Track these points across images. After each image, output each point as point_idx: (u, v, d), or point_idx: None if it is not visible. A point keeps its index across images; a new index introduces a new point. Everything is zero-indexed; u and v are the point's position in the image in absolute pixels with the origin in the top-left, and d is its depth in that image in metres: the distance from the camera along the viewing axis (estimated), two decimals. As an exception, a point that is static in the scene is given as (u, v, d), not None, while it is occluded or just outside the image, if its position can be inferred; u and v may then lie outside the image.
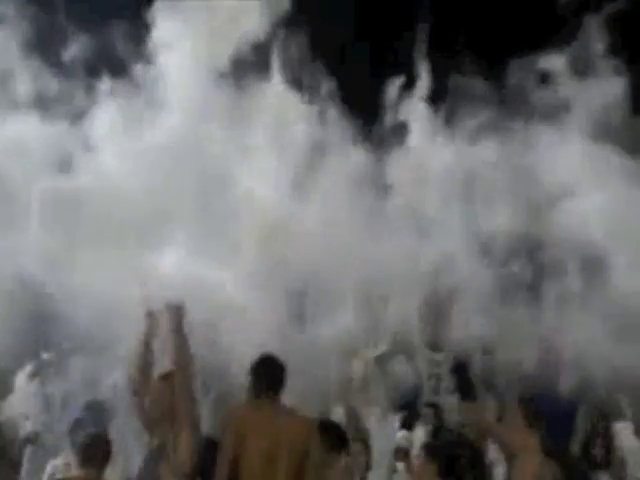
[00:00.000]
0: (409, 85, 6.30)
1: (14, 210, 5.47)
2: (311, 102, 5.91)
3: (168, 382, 4.65)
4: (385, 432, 6.41)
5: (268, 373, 4.70)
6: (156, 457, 4.48)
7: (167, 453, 4.47)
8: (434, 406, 6.87)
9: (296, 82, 5.96)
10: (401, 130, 6.14)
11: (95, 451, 4.90)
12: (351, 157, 5.96)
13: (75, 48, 6.22)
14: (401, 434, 6.28)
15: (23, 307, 5.42)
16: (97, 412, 5.88)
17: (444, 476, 5.29)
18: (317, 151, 5.90)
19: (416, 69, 6.35)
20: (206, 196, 5.45)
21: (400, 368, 6.53)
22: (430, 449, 5.33)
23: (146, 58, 5.81)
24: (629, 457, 5.73)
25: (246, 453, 4.64)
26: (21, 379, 6.01)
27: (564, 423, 6.65)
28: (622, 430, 5.93)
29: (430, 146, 5.93)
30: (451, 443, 5.67)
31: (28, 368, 6.06)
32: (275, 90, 5.95)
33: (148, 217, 5.25)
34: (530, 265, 6.11)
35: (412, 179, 5.91)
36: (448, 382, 7.13)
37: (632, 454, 5.76)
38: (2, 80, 5.80)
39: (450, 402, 6.94)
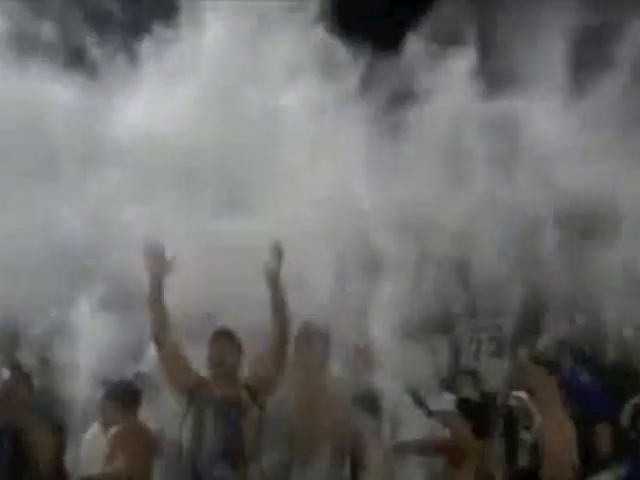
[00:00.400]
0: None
1: (54, 168, 5.31)
2: (352, 56, 5.60)
3: (232, 341, 4.94)
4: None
5: None
6: (226, 414, 4.75)
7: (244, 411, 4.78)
8: (473, 373, 6.69)
9: (337, 36, 5.67)
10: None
11: (126, 395, 5.29)
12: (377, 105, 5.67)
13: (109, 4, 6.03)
14: (448, 397, 6.12)
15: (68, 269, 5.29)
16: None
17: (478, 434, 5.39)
18: (349, 106, 5.61)
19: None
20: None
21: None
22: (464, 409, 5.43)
23: (180, 15, 5.59)
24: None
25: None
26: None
27: (608, 392, 6.51)
28: None
29: (462, 96, 5.62)
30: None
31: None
32: (313, 44, 5.69)
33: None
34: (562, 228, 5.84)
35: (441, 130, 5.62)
36: (488, 346, 6.97)
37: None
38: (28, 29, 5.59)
39: (491, 366, 6.77)
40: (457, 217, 5.43)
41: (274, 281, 4.94)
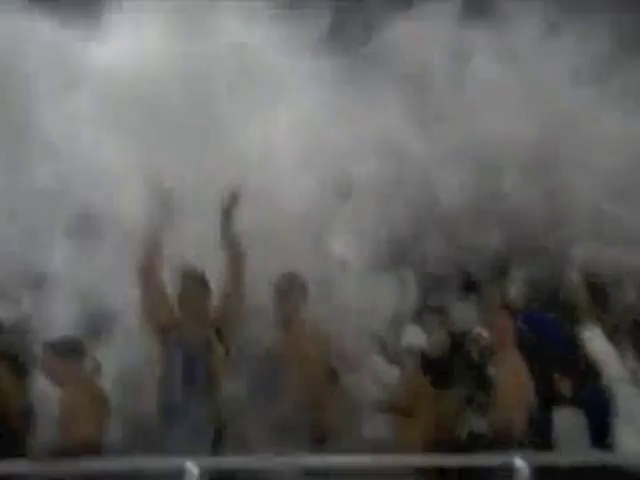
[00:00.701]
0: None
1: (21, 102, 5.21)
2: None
3: (200, 282, 5.01)
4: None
5: None
6: (195, 354, 4.88)
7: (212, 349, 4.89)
8: (439, 311, 6.63)
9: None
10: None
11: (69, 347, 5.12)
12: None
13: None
14: (414, 330, 6.12)
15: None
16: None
17: (439, 387, 5.45)
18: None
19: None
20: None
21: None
22: (425, 363, 5.46)
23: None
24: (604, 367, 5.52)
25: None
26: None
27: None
28: (592, 338, 5.65)
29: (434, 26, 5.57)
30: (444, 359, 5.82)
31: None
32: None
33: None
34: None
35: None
36: (457, 288, 6.94)
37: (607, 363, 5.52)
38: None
39: (459, 307, 6.75)
40: (424, 149, 5.39)
41: (226, 219, 5.04)
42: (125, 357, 5.48)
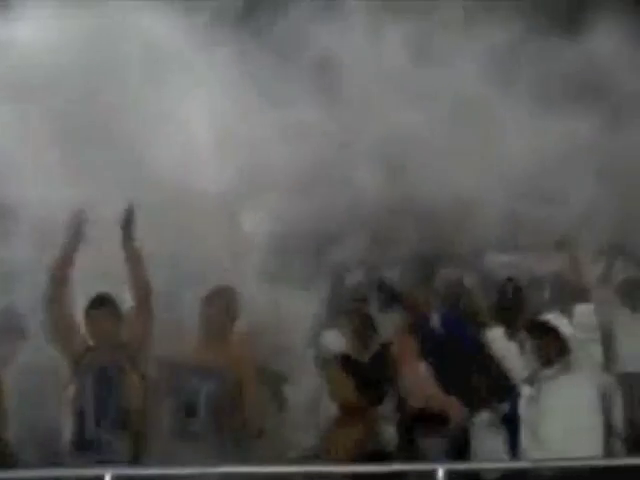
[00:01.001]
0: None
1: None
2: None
3: (109, 308, 4.86)
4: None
5: None
6: (106, 377, 4.73)
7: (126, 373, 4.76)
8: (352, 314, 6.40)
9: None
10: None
11: None
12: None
13: None
14: (332, 335, 5.91)
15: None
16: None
17: (362, 389, 5.26)
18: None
19: None
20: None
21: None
22: (347, 365, 5.29)
23: None
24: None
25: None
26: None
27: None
28: (495, 339, 5.68)
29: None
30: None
31: None
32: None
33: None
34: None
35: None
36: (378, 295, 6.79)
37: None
38: None
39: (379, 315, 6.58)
40: (336, 140, 5.28)
41: (126, 242, 4.91)
42: (34, 364, 5.25)
